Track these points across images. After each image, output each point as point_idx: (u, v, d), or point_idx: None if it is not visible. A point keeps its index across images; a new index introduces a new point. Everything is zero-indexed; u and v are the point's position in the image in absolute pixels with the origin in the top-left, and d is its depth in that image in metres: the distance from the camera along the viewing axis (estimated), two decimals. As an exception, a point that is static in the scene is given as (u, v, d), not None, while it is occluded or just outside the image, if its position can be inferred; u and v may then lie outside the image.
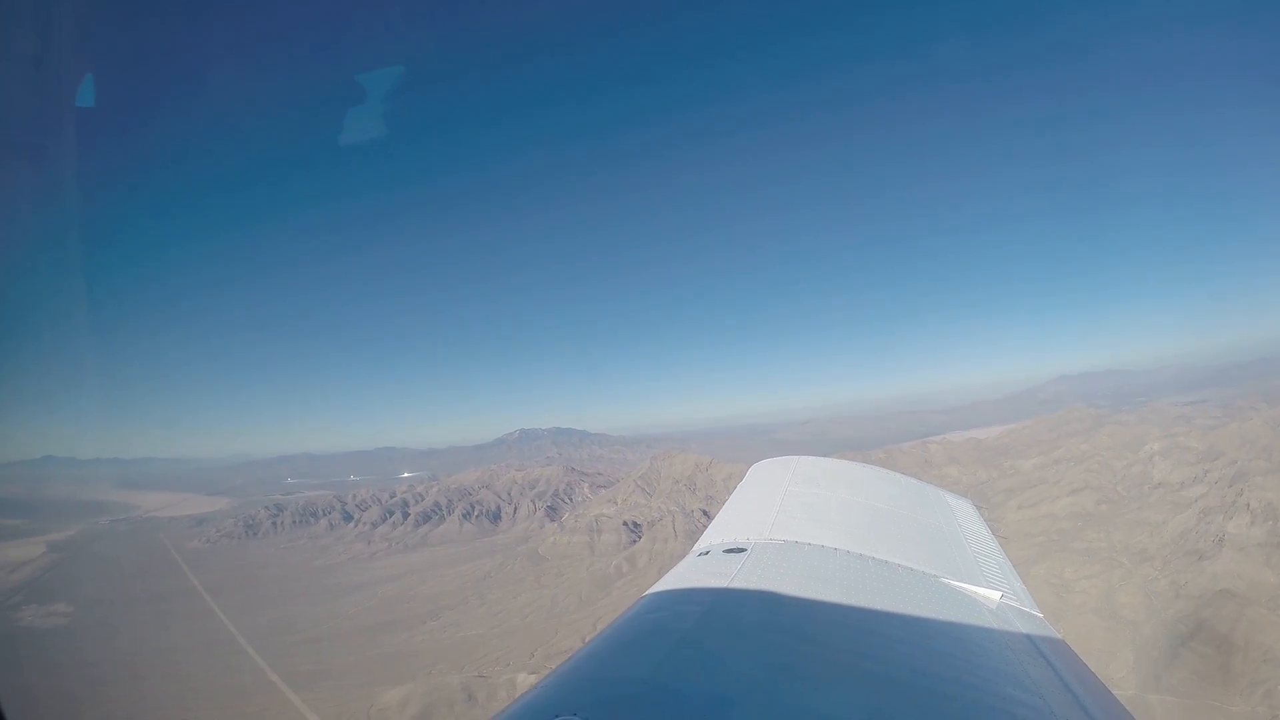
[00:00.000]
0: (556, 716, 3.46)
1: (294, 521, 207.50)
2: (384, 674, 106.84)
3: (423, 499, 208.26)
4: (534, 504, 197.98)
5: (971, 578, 6.80)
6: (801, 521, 7.52)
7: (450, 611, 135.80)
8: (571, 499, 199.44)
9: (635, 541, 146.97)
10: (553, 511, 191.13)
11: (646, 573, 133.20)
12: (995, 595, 6.45)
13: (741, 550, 6.55)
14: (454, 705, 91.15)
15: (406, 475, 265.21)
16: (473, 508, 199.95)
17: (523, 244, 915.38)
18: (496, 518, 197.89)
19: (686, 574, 6.17)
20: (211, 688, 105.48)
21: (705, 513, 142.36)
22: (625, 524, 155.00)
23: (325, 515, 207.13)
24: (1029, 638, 5.61)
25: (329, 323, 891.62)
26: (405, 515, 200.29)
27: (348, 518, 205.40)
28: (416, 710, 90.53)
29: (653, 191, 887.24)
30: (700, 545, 7.19)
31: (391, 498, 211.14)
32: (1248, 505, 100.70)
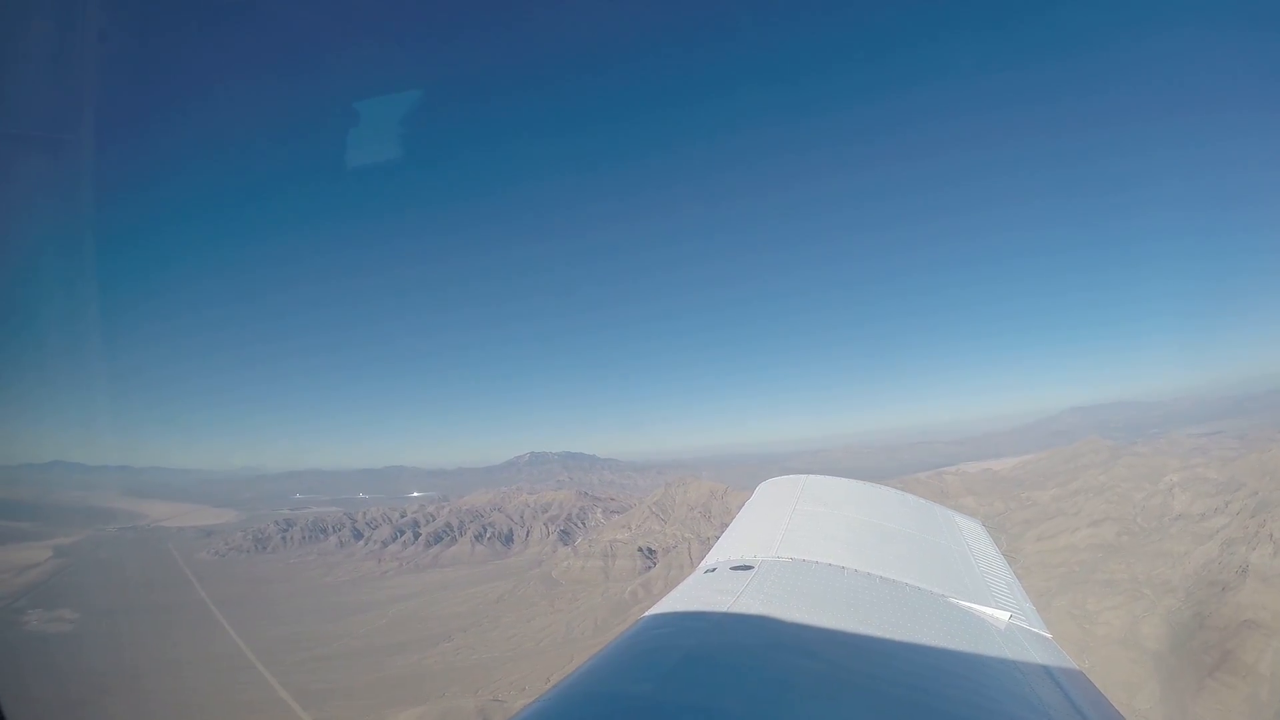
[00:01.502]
0: None
1: (303, 537, 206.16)
2: (396, 695, 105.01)
3: (434, 519, 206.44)
4: (547, 528, 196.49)
5: (980, 598, 6.76)
6: (809, 539, 7.54)
7: (463, 634, 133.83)
8: (584, 524, 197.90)
9: (650, 568, 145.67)
10: (566, 536, 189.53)
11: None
12: (1004, 616, 6.39)
13: (749, 568, 6.54)
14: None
15: (416, 495, 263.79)
16: (485, 530, 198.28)
17: (536, 268, 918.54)
18: (509, 540, 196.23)
19: (693, 590, 6.14)
20: (219, 703, 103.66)
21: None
22: (640, 550, 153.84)
23: (335, 532, 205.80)
24: (1038, 659, 5.53)
25: (341, 340, 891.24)
26: (416, 535, 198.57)
27: (357, 535, 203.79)
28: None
29: (665, 219, 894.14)
30: (708, 561, 7.22)
31: (402, 517, 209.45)
32: (1270, 536, 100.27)
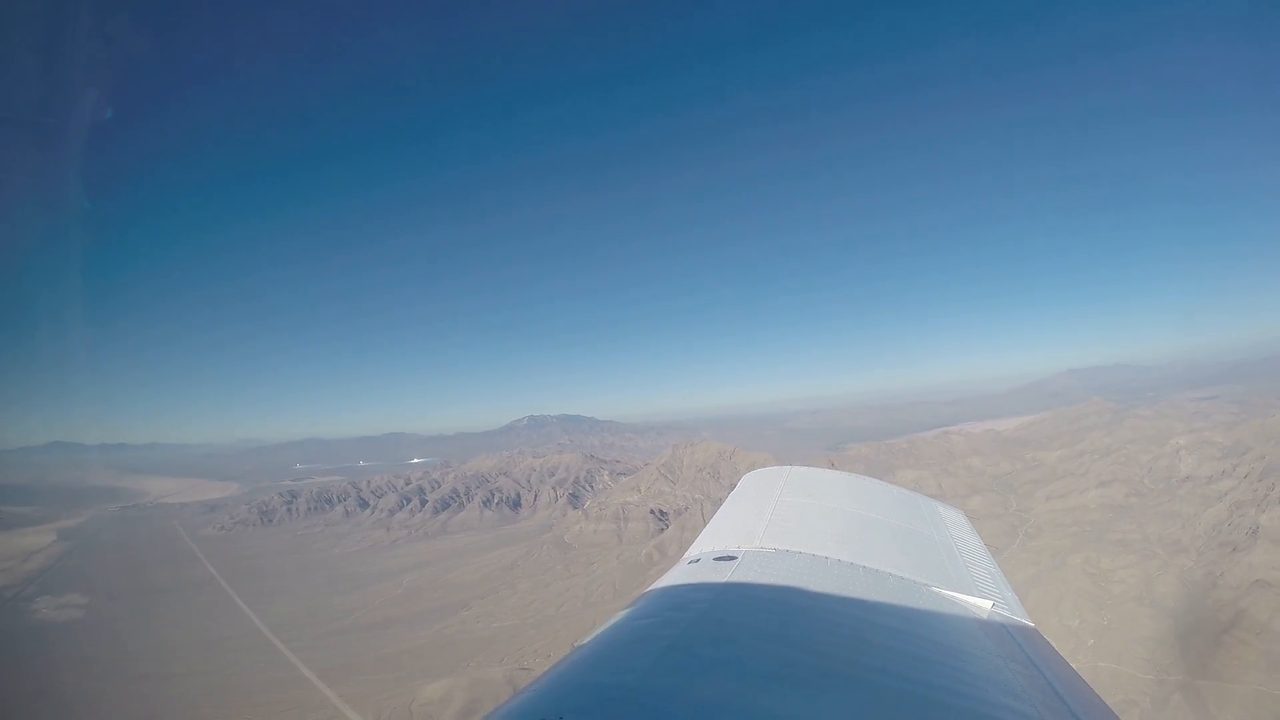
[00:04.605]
0: None
1: (309, 508, 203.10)
2: (420, 667, 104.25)
3: (439, 485, 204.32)
4: (555, 491, 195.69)
5: (963, 587, 6.80)
6: (793, 530, 7.50)
7: (481, 601, 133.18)
8: (592, 486, 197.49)
9: (663, 529, 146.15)
10: (574, 499, 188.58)
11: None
12: (986, 604, 6.39)
13: (732, 558, 6.52)
14: (499, 699, 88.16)
15: (417, 461, 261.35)
16: (492, 495, 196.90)
17: (531, 234, 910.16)
18: (516, 505, 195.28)
19: (677, 581, 6.14)
20: (241, 682, 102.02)
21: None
22: (652, 512, 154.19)
23: (341, 502, 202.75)
24: (1019, 646, 5.52)
25: (337, 310, 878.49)
26: (423, 502, 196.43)
27: (364, 504, 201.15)
28: (461, 705, 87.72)
29: (662, 184, 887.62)
30: (691, 553, 7.13)
31: (407, 484, 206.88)
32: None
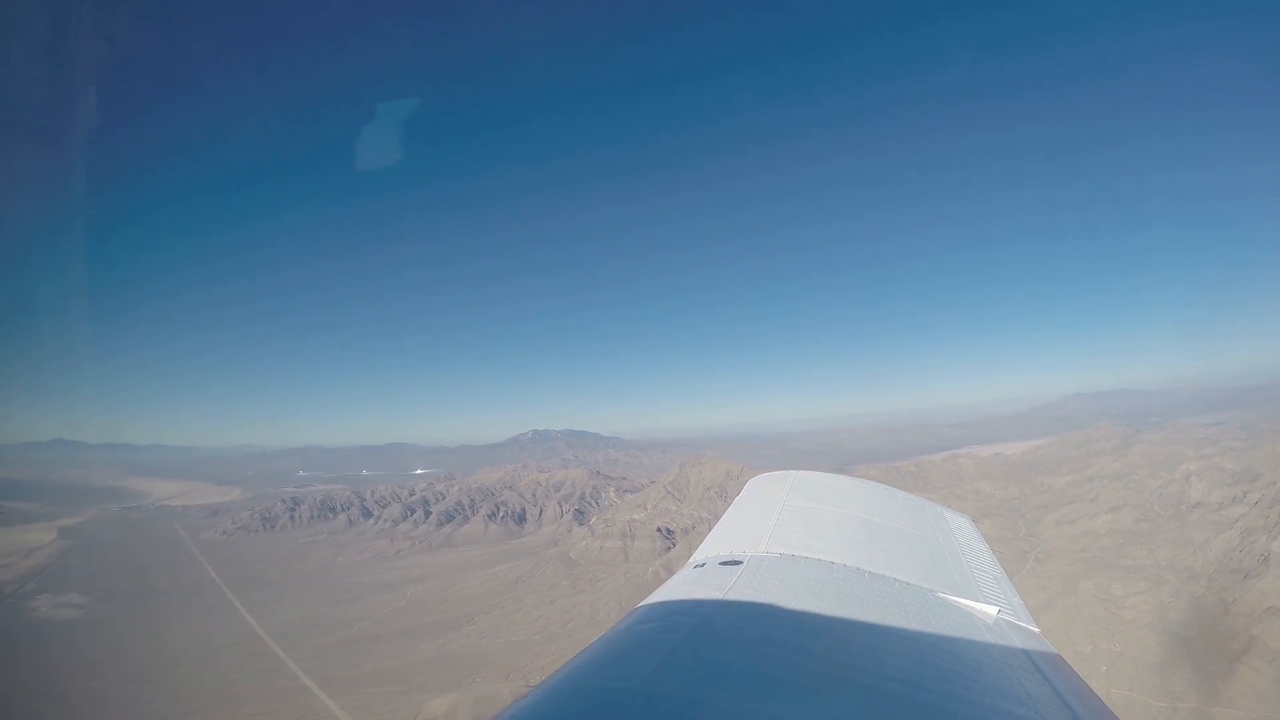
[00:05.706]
0: None
1: (312, 515, 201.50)
2: (425, 680, 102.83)
3: (444, 497, 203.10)
4: (560, 507, 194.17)
5: (969, 593, 6.82)
6: (798, 535, 7.58)
7: (486, 616, 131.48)
8: (598, 503, 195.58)
9: (670, 548, 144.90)
10: (580, 515, 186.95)
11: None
12: (993, 610, 6.44)
13: (737, 563, 6.58)
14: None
15: (421, 472, 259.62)
16: (497, 509, 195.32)
17: (538, 247, 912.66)
18: (521, 519, 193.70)
19: (681, 586, 6.17)
20: (240, 690, 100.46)
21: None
22: (659, 530, 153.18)
23: (344, 510, 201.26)
24: (1026, 653, 5.60)
25: (342, 317, 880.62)
26: (427, 514, 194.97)
27: (367, 514, 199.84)
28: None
29: (669, 199, 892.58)
30: (696, 557, 7.21)
31: (411, 495, 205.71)
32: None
